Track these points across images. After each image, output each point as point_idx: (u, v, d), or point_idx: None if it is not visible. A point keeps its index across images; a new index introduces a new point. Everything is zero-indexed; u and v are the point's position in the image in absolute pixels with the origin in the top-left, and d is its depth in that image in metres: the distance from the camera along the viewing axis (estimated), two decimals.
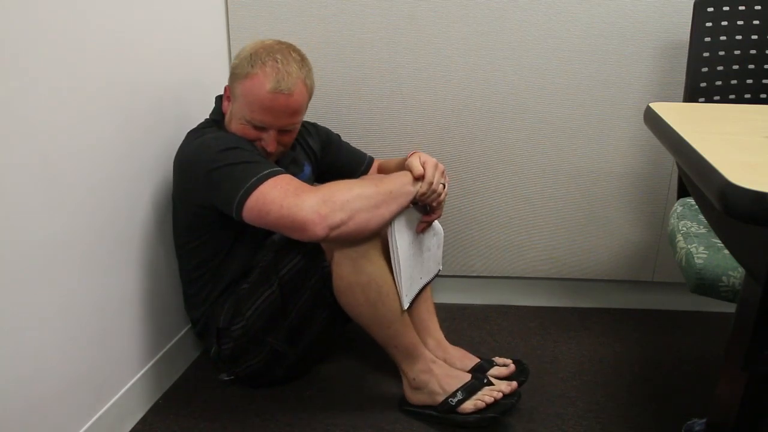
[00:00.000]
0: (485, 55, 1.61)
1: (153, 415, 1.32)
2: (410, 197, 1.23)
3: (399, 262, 1.25)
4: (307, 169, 1.44)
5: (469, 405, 1.25)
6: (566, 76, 1.62)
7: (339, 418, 1.31)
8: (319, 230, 1.11)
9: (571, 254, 1.77)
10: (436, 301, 1.46)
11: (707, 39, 1.38)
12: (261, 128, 1.25)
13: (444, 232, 1.50)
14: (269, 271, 1.26)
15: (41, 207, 0.98)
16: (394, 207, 1.20)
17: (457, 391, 1.26)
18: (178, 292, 1.43)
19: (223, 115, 1.32)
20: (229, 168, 1.17)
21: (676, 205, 1.30)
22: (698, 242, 1.05)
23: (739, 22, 1.38)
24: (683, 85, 1.42)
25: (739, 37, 1.38)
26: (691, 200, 1.31)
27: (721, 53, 1.39)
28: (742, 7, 1.38)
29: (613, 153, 1.67)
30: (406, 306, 1.27)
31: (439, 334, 1.42)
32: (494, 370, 1.36)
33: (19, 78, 0.92)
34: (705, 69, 1.39)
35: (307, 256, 1.25)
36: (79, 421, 1.12)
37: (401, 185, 1.22)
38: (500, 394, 1.26)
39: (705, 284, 0.97)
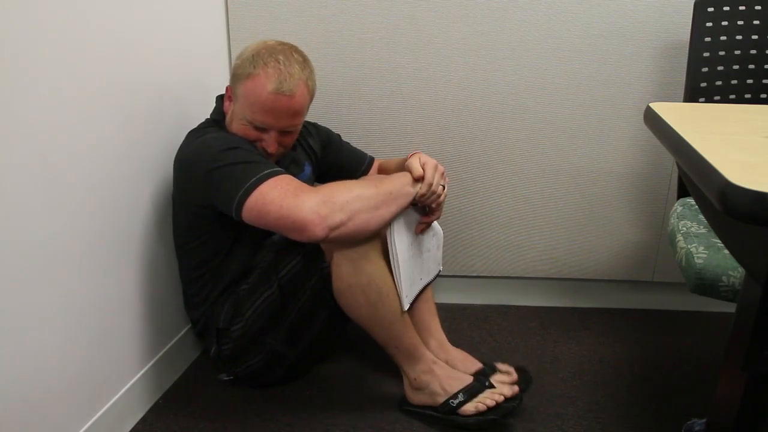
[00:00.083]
0: (485, 55, 1.61)
1: (153, 415, 1.32)
2: (410, 198, 1.23)
3: (398, 263, 1.25)
4: (308, 169, 1.44)
5: (470, 407, 1.24)
6: (566, 76, 1.62)
7: (339, 418, 1.31)
8: (318, 231, 1.11)
9: (571, 254, 1.77)
10: (436, 301, 1.46)
11: (707, 39, 1.38)
12: (262, 129, 1.25)
13: (444, 232, 1.50)
14: (269, 271, 1.26)
15: (41, 207, 0.98)
16: (393, 208, 1.20)
17: (458, 392, 1.26)
18: (177, 292, 1.43)
19: (224, 115, 1.32)
20: (229, 168, 1.17)
21: (676, 205, 1.30)
22: (698, 242, 1.05)
23: (739, 22, 1.38)
24: (683, 85, 1.42)
25: (739, 37, 1.38)
26: (691, 200, 1.31)
27: (721, 53, 1.39)
28: (742, 7, 1.38)
29: (613, 153, 1.67)
30: (406, 307, 1.27)
31: (441, 335, 1.42)
32: (497, 377, 1.34)
33: (19, 78, 0.92)
34: (705, 69, 1.39)
35: (306, 257, 1.25)
36: (79, 421, 1.12)
37: (401, 186, 1.22)
38: (502, 398, 1.25)
39: (705, 284, 0.97)
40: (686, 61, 1.40)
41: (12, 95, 0.91)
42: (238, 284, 1.31)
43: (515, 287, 1.82)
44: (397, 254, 1.24)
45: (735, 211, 0.53)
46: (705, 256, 1.00)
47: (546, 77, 1.62)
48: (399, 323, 1.26)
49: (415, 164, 1.24)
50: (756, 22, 1.38)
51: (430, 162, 1.26)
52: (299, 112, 1.27)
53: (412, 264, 1.30)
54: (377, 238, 1.23)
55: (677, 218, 1.20)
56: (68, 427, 1.09)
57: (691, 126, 0.80)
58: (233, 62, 1.28)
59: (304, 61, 1.28)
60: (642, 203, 1.71)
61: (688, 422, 1.20)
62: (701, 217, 1.18)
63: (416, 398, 1.31)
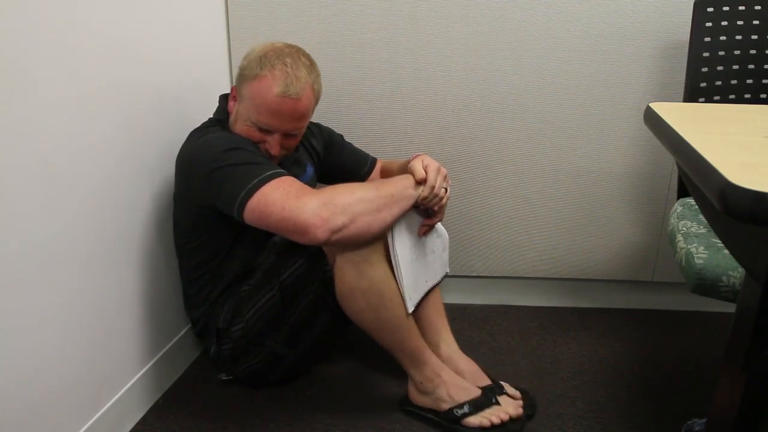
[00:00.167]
0: (485, 55, 1.61)
1: (153, 415, 1.32)
2: (412, 201, 1.22)
3: (400, 265, 1.24)
4: (310, 170, 1.44)
5: (474, 420, 1.23)
6: (566, 76, 1.62)
7: (339, 418, 1.31)
8: (320, 233, 1.10)
9: (571, 254, 1.77)
10: None
11: (707, 39, 1.38)
12: (266, 131, 1.24)
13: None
14: (270, 274, 1.26)
15: (41, 207, 0.98)
16: (395, 210, 1.20)
17: (464, 403, 1.25)
18: (177, 292, 1.43)
19: (227, 114, 1.31)
20: (231, 168, 1.16)
21: (676, 205, 1.30)
22: (698, 242, 1.05)
23: (739, 22, 1.38)
24: (683, 85, 1.42)
25: (739, 37, 1.38)
26: (691, 200, 1.31)
27: (721, 53, 1.39)
28: (742, 7, 1.38)
29: (613, 153, 1.67)
30: (410, 310, 1.26)
31: (450, 338, 1.39)
32: (503, 397, 1.30)
33: (19, 78, 0.92)
34: (705, 69, 1.39)
35: (308, 260, 1.24)
36: (79, 421, 1.12)
37: (403, 189, 1.21)
38: (507, 417, 1.24)
39: (705, 284, 0.97)
40: (686, 61, 1.40)
41: (12, 95, 0.91)
42: (239, 284, 1.31)
43: (515, 287, 1.82)
44: (398, 257, 1.24)
45: (735, 211, 0.53)
46: (705, 256, 1.00)
47: (546, 77, 1.62)
48: (403, 327, 1.25)
49: (417, 167, 1.23)
50: (756, 22, 1.38)
51: (433, 164, 1.25)
52: (304, 115, 1.26)
53: (416, 266, 1.30)
54: (380, 241, 1.22)
55: (677, 218, 1.20)
56: (68, 427, 1.09)
57: (691, 126, 0.80)
58: (240, 62, 1.28)
59: (311, 64, 1.27)
60: (642, 203, 1.71)
61: (688, 422, 1.20)
62: (701, 217, 1.18)
63: (420, 400, 1.30)
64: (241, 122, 1.26)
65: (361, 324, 1.26)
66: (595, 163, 1.68)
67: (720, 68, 1.39)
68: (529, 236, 1.76)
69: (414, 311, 1.28)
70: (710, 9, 1.37)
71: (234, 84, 1.30)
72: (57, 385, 1.05)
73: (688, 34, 1.39)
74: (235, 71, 1.28)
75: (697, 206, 1.25)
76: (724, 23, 1.38)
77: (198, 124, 1.33)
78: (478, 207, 1.74)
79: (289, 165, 1.35)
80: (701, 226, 1.13)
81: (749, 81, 1.40)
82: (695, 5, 1.38)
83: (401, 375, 1.32)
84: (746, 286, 0.73)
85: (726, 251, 1.00)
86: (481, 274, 1.80)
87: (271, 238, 1.30)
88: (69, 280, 1.06)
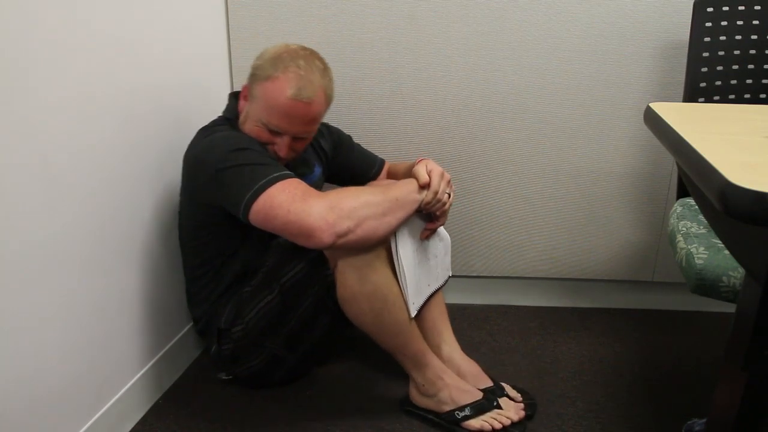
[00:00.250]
0: (485, 55, 1.61)
1: (153, 415, 1.32)
2: (416, 205, 1.22)
3: (403, 270, 1.24)
4: (318, 171, 1.43)
5: (475, 423, 1.23)
6: (566, 76, 1.62)
7: (339, 418, 1.31)
8: (326, 237, 1.09)
9: (571, 254, 1.77)
10: None
11: (707, 39, 1.38)
12: (276, 133, 1.24)
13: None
14: (271, 276, 1.26)
15: (41, 207, 0.98)
16: (400, 214, 1.19)
17: (466, 406, 1.25)
18: (178, 292, 1.43)
19: (237, 113, 1.30)
20: (237, 169, 1.15)
21: (676, 205, 1.30)
22: (698, 242, 1.05)
23: (739, 22, 1.38)
24: (683, 85, 1.42)
25: (739, 37, 1.38)
26: (691, 200, 1.31)
27: (721, 53, 1.39)
28: (741, 7, 1.38)
29: (613, 153, 1.67)
30: (413, 314, 1.26)
31: (453, 341, 1.39)
32: (504, 400, 1.30)
33: (19, 78, 0.92)
34: (705, 69, 1.39)
35: (310, 264, 1.24)
36: (79, 421, 1.12)
37: (407, 193, 1.21)
38: (508, 421, 1.24)
39: (705, 284, 0.97)
40: (686, 61, 1.40)
41: (12, 95, 0.91)
42: (241, 285, 1.30)
43: (515, 287, 1.82)
44: (401, 261, 1.23)
45: (735, 211, 0.53)
46: (705, 256, 1.00)
47: (546, 77, 1.62)
48: (405, 331, 1.25)
49: (421, 171, 1.23)
50: (755, 22, 1.38)
51: (437, 169, 1.25)
52: (315, 119, 1.26)
53: (418, 270, 1.29)
54: (382, 245, 1.22)
55: (677, 218, 1.20)
56: (68, 427, 1.09)
57: (691, 126, 0.80)
58: (253, 62, 1.26)
59: (325, 68, 1.27)
60: (642, 203, 1.71)
61: (688, 422, 1.20)
62: (701, 217, 1.18)
63: (421, 401, 1.30)
64: (251, 122, 1.25)
65: (363, 328, 1.26)
66: (595, 163, 1.68)
67: (720, 68, 1.39)
68: (529, 236, 1.76)
69: (417, 313, 1.28)
70: (710, 9, 1.38)
71: (246, 83, 1.28)
72: (57, 385, 1.05)
73: (688, 34, 1.39)
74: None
75: (697, 206, 1.25)
76: (724, 23, 1.38)
77: (198, 125, 1.32)
78: (478, 207, 1.74)
79: (297, 165, 1.35)
80: (701, 227, 1.13)
81: (749, 81, 1.40)
82: (695, 5, 1.38)
83: (401, 375, 1.32)
84: (746, 286, 0.73)
85: (726, 251, 1.00)
86: (481, 274, 1.80)
87: (275, 239, 1.29)
88: (69, 280, 1.06)
